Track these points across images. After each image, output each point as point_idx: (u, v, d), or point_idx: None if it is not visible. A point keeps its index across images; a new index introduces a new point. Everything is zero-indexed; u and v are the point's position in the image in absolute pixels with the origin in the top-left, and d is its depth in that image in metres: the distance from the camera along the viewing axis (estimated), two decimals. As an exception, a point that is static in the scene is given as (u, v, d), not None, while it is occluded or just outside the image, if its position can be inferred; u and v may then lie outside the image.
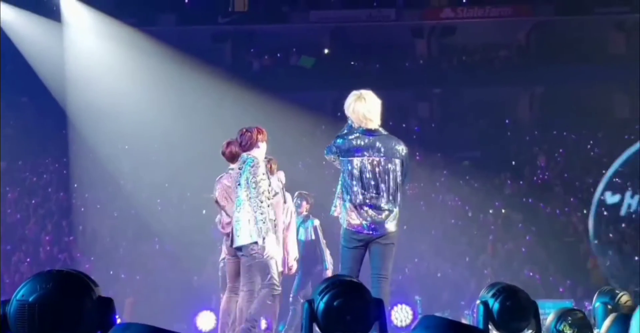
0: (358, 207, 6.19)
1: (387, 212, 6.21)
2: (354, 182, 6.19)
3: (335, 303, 4.83)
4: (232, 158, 6.80)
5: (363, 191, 6.19)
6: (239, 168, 6.34)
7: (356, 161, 6.21)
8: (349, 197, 6.22)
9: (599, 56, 27.27)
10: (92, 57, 21.98)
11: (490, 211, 19.19)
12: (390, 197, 6.23)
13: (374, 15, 26.35)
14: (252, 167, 6.23)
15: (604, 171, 20.93)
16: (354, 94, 6.41)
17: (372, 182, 6.20)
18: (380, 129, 6.42)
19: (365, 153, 6.24)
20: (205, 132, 20.25)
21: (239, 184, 6.29)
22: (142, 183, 20.70)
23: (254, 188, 6.20)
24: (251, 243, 6.22)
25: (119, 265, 16.11)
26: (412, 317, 12.50)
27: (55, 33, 22.09)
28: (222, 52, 26.70)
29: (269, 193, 6.37)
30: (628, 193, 16.49)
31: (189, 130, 21.15)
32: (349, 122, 6.39)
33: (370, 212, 6.17)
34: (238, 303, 6.59)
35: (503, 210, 19.30)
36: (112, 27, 22.84)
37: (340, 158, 6.27)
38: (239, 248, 6.26)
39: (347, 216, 6.24)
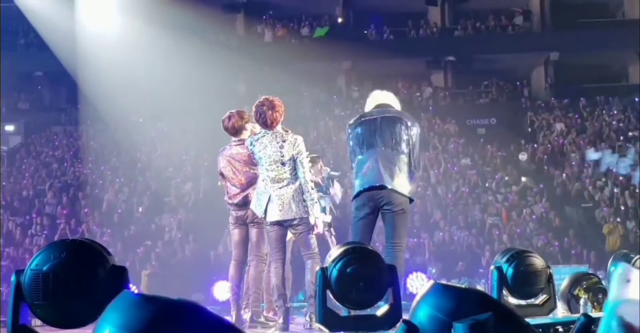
0: (365, 171, 6.35)
1: (395, 174, 6.30)
2: (363, 148, 6.42)
3: (348, 270, 4.86)
4: (235, 132, 6.81)
5: (371, 155, 6.37)
6: (279, 147, 6.24)
7: (365, 126, 6.47)
8: (357, 164, 6.41)
9: (613, 21, 26.97)
10: (104, 30, 21.95)
11: (506, 178, 19.14)
12: (400, 161, 6.33)
13: (386, -18, 26.12)
14: (301, 144, 6.27)
15: (621, 138, 20.88)
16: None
17: (381, 145, 6.37)
18: (393, 108, 6.66)
19: (376, 120, 6.46)
20: (218, 102, 20.24)
21: (282, 163, 6.23)
22: (157, 155, 20.77)
23: (303, 166, 6.24)
24: (300, 217, 6.23)
25: (135, 237, 16.20)
26: (427, 284, 12.52)
27: (66, 6, 22.05)
28: (234, 23, 26.58)
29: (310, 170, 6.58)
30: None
31: (203, 101, 21.15)
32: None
33: (377, 173, 6.29)
34: (259, 272, 6.65)
35: (519, 177, 19.25)
36: (124, -1, 22.77)
37: (352, 131, 6.58)
38: (279, 222, 6.26)
39: (355, 183, 6.41)
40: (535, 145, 21.66)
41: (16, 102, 25.75)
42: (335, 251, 5.06)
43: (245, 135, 6.76)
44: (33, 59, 24.75)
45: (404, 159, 6.34)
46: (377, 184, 6.29)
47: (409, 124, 6.44)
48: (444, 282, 3.25)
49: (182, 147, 21.03)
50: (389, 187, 6.25)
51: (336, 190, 9.05)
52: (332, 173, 9.01)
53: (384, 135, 6.40)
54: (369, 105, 6.69)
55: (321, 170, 9.30)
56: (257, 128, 6.55)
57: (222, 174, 6.96)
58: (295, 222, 6.21)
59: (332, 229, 8.44)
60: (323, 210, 9.37)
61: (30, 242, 16.17)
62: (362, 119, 6.58)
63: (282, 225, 6.26)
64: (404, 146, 6.37)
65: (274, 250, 6.36)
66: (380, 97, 6.74)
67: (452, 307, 2.36)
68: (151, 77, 21.32)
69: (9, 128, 24.72)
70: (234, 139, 6.86)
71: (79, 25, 22.07)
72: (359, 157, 6.46)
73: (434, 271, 14.22)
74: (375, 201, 6.32)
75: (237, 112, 6.86)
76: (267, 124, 6.25)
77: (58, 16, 22.15)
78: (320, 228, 6.34)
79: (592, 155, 19.15)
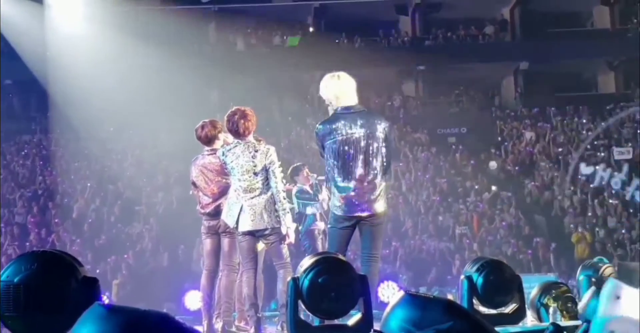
0: (345, 187, 6.06)
1: (374, 191, 6.08)
2: (339, 162, 6.05)
3: (319, 280, 4.87)
4: (208, 141, 6.82)
5: (348, 169, 6.04)
6: (252, 157, 6.24)
7: (339, 139, 6.04)
8: (334, 177, 6.08)
9: (583, 31, 27.32)
10: (75, 38, 21.82)
11: (476, 187, 19.29)
12: (377, 175, 6.08)
13: (358, -9, 26.26)
14: (273, 154, 6.24)
15: (588, 147, 21.15)
16: (327, 75, 6.28)
17: (358, 160, 6.05)
18: (359, 105, 6.21)
19: (348, 130, 6.06)
20: (190, 112, 20.18)
21: (254, 173, 6.22)
22: (128, 164, 20.66)
23: (275, 175, 6.22)
24: (272, 227, 6.22)
25: (106, 247, 16.10)
26: (398, 294, 12.57)
27: (36, 14, 21.90)
28: (206, 32, 26.55)
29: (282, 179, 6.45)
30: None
31: (174, 110, 21.08)
32: (329, 108, 6.33)
33: (358, 191, 6.04)
34: (231, 281, 6.63)
35: (489, 186, 19.40)
36: (95, 7, 22.66)
37: (324, 143, 6.10)
38: (251, 232, 6.25)
39: (335, 198, 6.14)
40: (505, 154, 21.85)
41: (-15, 111, 25.49)
42: (306, 261, 5.08)
43: (217, 144, 6.77)
44: (2, 67, 24.52)
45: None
46: None
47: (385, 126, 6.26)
48: (413, 291, 3.28)
49: (153, 156, 20.94)
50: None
51: (324, 196, 9.07)
52: (320, 178, 8.99)
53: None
54: (334, 99, 6.19)
55: (308, 177, 9.33)
56: (230, 138, 6.56)
57: (194, 184, 6.97)
58: (267, 232, 6.22)
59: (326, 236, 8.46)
60: (313, 216, 9.39)
61: (-1, 252, 16.01)
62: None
63: (254, 235, 6.27)
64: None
65: (245, 259, 6.36)
66: (349, 93, 6.24)
67: (419, 317, 2.37)
68: (122, 85, 21.22)
69: (-22, 137, 24.46)
70: (206, 148, 6.87)
71: (49, 34, 21.94)
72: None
73: (404, 279, 14.28)
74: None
75: (210, 121, 6.87)
76: (239, 134, 6.26)
77: (28, 25, 21.99)
78: (292, 238, 6.33)
79: (585, 169, 19.37)
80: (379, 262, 6.33)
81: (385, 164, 6.12)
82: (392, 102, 25.83)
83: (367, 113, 6.26)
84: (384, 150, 6.11)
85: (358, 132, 6.08)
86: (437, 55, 25.79)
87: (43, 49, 21.60)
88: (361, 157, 6.06)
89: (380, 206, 6.11)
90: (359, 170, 6.05)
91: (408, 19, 27.08)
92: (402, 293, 2.55)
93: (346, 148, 6.05)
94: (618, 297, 2.35)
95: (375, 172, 6.08)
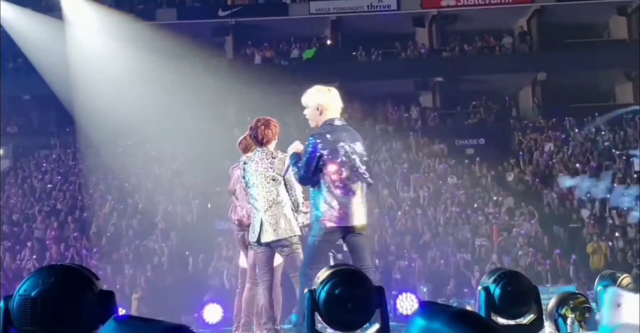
0: (329, 199, 5.90)
1: (359, 202, 5.97)
2: (325, 175, 5.91)
3: (336, 292, 4.87)
4: (244, 148, 6.95)
5: (334, 182, 5.91)
6: (270, 163, 6.28)
7: (325, 153, 5.89)
8: (320, 189, 5.91)
9: (600, 42, 27.23)
10: (95, 54, 22.03)
11: (495, 198, 19.21)
12: (360, 187, 5.99)
13: (374, 4, 26.32)
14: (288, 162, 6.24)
15: (606, 157, 21.03)
16: (320, 86, 6.22)
17: (343, 172, 5.93)
18: (340, 119, 6.14)
19: (334, 144, 5.94)
20: (207, 126, 20.29)
21: (272, 179, 6.25)
22: (147, 178, 20.76)
23: (292, 184, 6.27)
24: (293, 235, 6.25)
25: (125, 261, 16.16)
26: (417, 305, 12.53)
27: (56, 30, 22.13)
28: (223, 46, 26.70)
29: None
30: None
31: (192, 124, 21.19)
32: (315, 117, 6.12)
33: (343, 202, 5.90)
34: (252, 295, 6.61)
35: (507, 197, 19.32)
36: (114, 23, 22.90)
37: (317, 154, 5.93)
38: (268, 243, 6.26)
39: (320, 209, 5.91)
40: (524, 165, 21.76)
41: (5, 126, 25.72)
42: (323, 273, 5.09)
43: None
44: (22, 82, 24.77)
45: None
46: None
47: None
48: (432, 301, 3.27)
49: (171, 170, 21.03)
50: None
51: None
52: None
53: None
54: (322, 110, 6.12)
55: None
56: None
57: (233, 192, 7.03)
58: (284, 243, 6.23)
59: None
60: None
61: (19, 266, 16.09)
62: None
63: (270, 246, 6.28)
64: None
65: (261, 271, 6.37)
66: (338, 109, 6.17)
67: (439, 328, 2.38)
68: (140, 100, 21.36)
69: (-3, 152, 24.69)
70: (243, 156, 6.95)
71: (68, 50, 22.14)
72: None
73: (423, 290, 14.22)
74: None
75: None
76: (259, 141, 6.35)
77: (47, 40, 22.22)
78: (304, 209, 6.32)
79: (567, 182, 19.22)
80: (374, 272, 6.28)
81: (365, 178, 6.09)
82: (409, 113, 25.83)
83: (348, 128, 6.18)
84: (364, 166, 6.09)
85: (343, 145, 6.00)
86: (455, 67, 25.80)
87: (62, 65, 21.78)
88: (346, 170, 6.01)
89: (363, 217, 6.06)
90: (344, 182, 6.01)
91: (425, 31, 27.11)
92: (420, 303, 2.56)
93: (331, 161, 5.98)
94: (619, 305, 2.35)
95: (359, 186, 6.06)
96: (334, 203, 5.90)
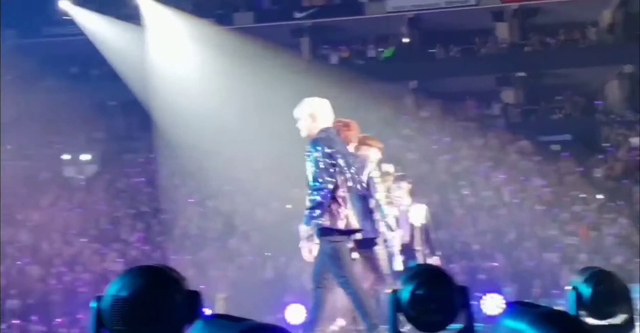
0: (340, 209, 5.99)
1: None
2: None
3: (419, 292, 4.77)
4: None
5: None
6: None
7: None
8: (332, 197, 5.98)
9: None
10: (173, 58, 22.38)
11: (582, 195, 18.70)
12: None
13: (452, 0, 25.99)
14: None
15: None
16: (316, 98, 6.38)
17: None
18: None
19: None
20: (287, 127, 20.34)
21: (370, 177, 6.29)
22: (228, 180, 20.95)
23: (375, 185, 6.28)
24: (371, 237, 6.24)
25: (208, 262, 16.34)
26: (503, 306, 12.29)
27: (136, 36, 22.57)
28: (301, 47, 26.78)
29: None
30: None
31: (272, 126, 21.27)
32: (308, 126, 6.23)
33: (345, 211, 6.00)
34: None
35: (595, 194, 18.78)
36: (192, 28, 23.21)
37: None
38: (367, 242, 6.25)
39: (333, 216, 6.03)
40: (612, 161, 21.13)
41: (91, 132, 26.39)
42: (405, 273, 5.01)
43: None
44: (106, 89, 25.36)
45: None
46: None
47: None
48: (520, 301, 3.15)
49: (250, 172, 21.17)
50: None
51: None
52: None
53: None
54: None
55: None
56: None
57: None
58: (365, 242, 6.16)
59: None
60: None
61: (106, 268, 16.45)
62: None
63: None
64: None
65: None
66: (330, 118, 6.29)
67: (525, 328, 2.29)
68: (220, 103, 21.58)
69: (86, 157, 25.32)
70: None
71: (150, 55, 22.56)
72: None
73: (509, 291, 13.93)
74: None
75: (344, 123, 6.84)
76: None
77: (129, 47, 22.68)
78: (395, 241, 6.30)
79: None
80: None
81: None
82: (491, 110, 25.41)
83: None
84: None
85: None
86: (537, 61, 25.26)
87: (144, 71, 22.21)
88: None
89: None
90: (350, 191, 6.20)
91: (505, 25, 26.60)
92: (509, 304, 2.49)
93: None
94: None
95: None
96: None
